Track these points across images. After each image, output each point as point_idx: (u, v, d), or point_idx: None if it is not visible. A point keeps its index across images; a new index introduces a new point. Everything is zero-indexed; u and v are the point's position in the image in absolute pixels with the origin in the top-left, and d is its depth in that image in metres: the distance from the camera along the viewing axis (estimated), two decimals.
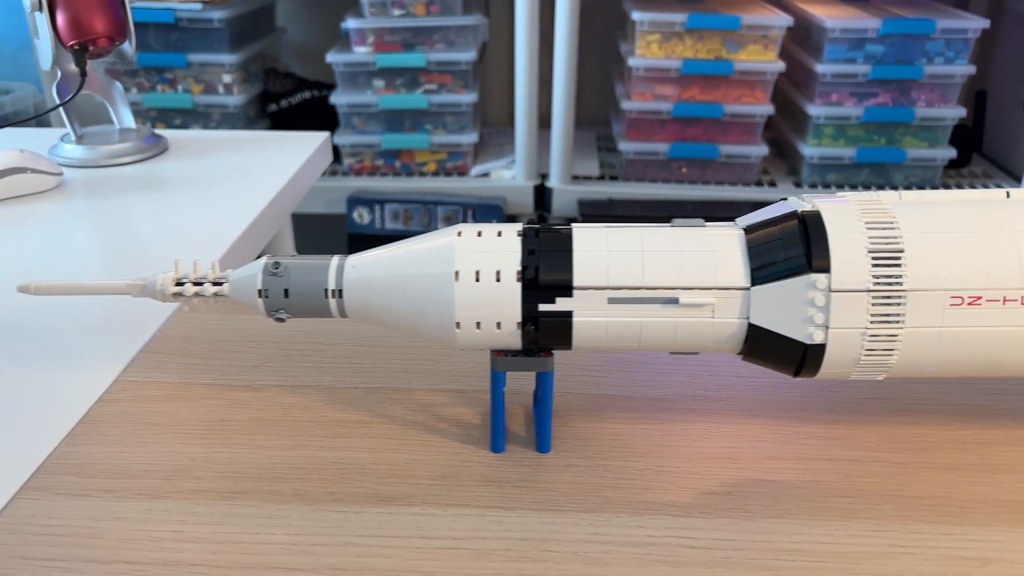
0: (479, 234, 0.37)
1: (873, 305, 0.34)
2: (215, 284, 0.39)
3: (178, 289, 0.39)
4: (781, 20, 1.36)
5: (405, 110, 1.45)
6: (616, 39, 1.56)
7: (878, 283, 0.34)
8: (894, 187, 1.47)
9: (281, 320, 0.38)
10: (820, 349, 0.35)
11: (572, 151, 1.45)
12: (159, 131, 0.88)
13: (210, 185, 0.76)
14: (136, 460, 0.39)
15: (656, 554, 0.34)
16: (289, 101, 1.53)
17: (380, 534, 0.35)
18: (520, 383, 0.44)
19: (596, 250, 0.36)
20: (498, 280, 0.36)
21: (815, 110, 1.40)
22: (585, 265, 0.36)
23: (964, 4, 1.56)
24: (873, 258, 0.34)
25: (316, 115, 1.53)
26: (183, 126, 1.48)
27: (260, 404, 0.43)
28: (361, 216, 1.41)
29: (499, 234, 0.37)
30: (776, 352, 0.36)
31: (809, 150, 1.43)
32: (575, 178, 1.48)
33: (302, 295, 0.38)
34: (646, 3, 1.42)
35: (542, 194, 1.47)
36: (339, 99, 1.45)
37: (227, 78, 1.42)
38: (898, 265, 0.34)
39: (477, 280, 0.36)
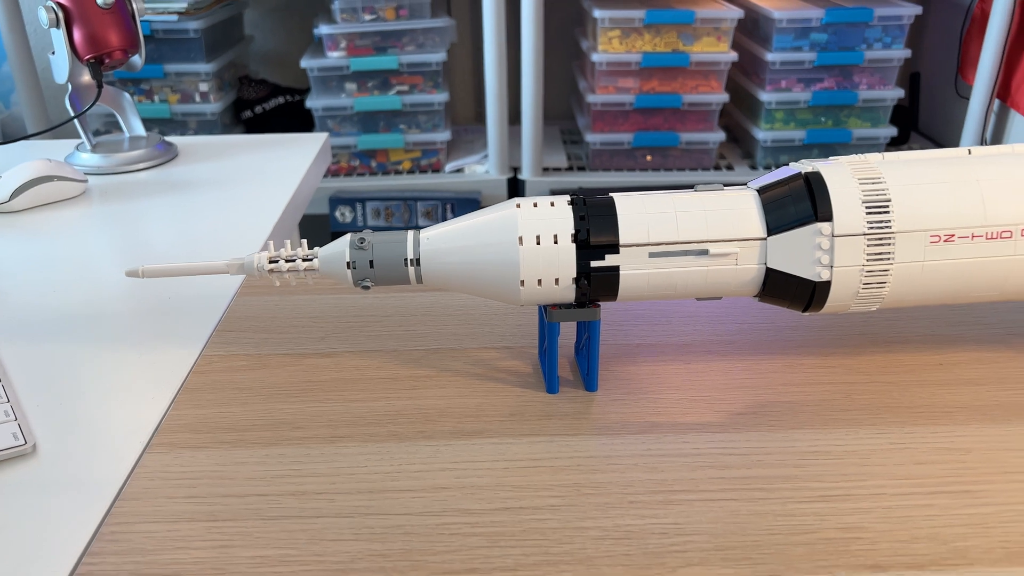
0: (535, 205, 0.43)
1: (868, 246, 0.41)
2: (305, 260, 0.44)
3: (273, 266, 0.44)
4: (732, 13, 1.44)
5: (379, 111, 1.51)
6: (576, 36, 1.63)
7: (871, 227, 0.41)
8: None
9: (367, 288, 0.44)
10: (826, 286, 0.42)
11: (541, 144, 1.52)
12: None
13: (228, 187, 0.81)
14: (241, 417, 0.45)
15: (703, 461, 0.41)
16: (264, 107, 1.57)
17: (470, 460, 0.41)
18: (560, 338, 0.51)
19: (636, 213, 0.43)
20: (555, 243, 0.42)
21: (766, 96, 1.49)
22: (629, 226, 0.42)
23: None
24: (867, 207, 0.41)
25: (291, 119, 1.58)
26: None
27: (337, 367, 0.49)
28: (343, 215, 1.46)
29: (552, 204, 0.43)
30: (790, 291, 0.43)
31: (762, 134, 1.52)
32: (545, 170, 1.55)
33: (385, 265, 0.44)
34: (605, 1, 1.50)
35: (515, 186, 1.54)
36: (314, 103, 1.49)
37: (203, 87, 1.46)
38: (887, 212, 0.41)
39: (538, 243, 0.42)
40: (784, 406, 0.45)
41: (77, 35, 0.79)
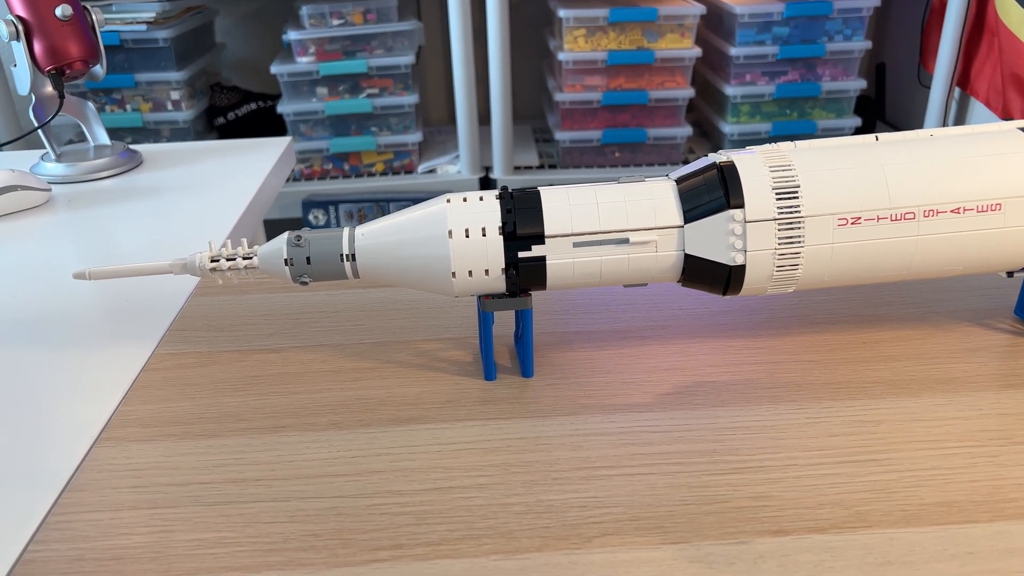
0: (464, 200, 0.45)
1: (779, 230, 0.43)
2: (245, 258, 0.46)
3: (214, 265, 0.46)
4: (695, 9, 1.47)
5: (350, 115, 1.52)
6: (544, 36, 1.65)
7: (781, 212, 0.43)
8: None
9: (305, 283, 0.46)
10: (741, 269, 0.44)
11: (512, 143, 1.54)
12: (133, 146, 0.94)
13: (189, 193, 0.82)
14: (187, 411, 0.46)
15: (626, 439, 0.43)
16: (236, 113, 1.58)
17: (405, 445, 0.43)
18: (499, 328, 0.53)
19: (560, 205, 0.44)
20: (484, 235, 0.44)
21: (732, 90, 1.51)
22: (553, 218, 0.44)
23: None
24: (776, 194, 0.43)
25: (263, 125, 1.59)
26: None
27: (283, 362, 0.51)
28: (317, 218, 1.48)
29: (481, 199, 0.45)
30: (708, 275, 0.45)
31: (729, 127, 1.54)
32: (517, 168, 1.57)
33: (322, 261, 0.45)
34: (570, 0, 1.52)
35: (487, 185, 1.56)
36: (285, 108, 1.51)
37: (175, 95, 1.47)
38: (796, 197, 0.43)
39: (467, 236, 0.44)
40: (709, 386, 0.47)
41: (37, 47, 0.81)
